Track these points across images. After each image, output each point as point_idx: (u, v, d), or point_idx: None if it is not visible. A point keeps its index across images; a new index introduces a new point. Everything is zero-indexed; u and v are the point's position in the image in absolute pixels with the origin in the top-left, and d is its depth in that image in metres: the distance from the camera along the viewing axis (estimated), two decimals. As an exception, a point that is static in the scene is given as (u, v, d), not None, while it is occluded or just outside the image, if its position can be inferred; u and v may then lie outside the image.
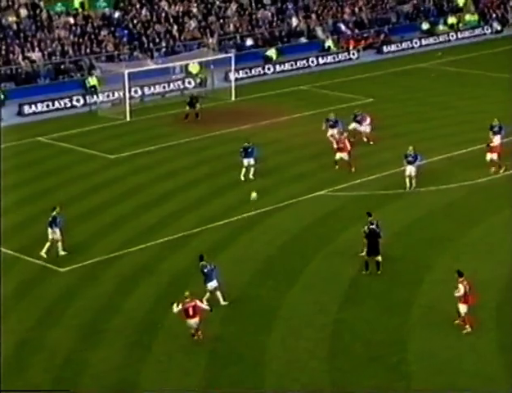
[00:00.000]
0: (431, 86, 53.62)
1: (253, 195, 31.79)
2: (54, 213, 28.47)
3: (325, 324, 23.33)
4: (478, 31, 72.54)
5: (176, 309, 21.91)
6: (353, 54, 64.57)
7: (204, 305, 22.40)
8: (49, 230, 28.30)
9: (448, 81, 55.29)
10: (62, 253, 28.41)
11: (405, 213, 31.49)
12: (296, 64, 60.76)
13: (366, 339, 22.50)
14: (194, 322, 21.97)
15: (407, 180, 33.41)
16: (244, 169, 35.42)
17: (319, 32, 67.53)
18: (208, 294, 24.17)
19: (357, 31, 68.54)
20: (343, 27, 68.45)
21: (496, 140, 36.38)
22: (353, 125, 40.45)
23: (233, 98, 50.84)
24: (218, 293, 24.31)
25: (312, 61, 61.82)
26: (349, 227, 29.83)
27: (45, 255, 28.01)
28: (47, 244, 28.20)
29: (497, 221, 30.09)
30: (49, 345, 22.62)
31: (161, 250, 28.92)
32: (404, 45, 67.67)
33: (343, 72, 58.82)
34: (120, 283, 26.46)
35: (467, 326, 21.95)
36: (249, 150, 35.63)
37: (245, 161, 35.47)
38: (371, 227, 25.86)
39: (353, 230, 29.06)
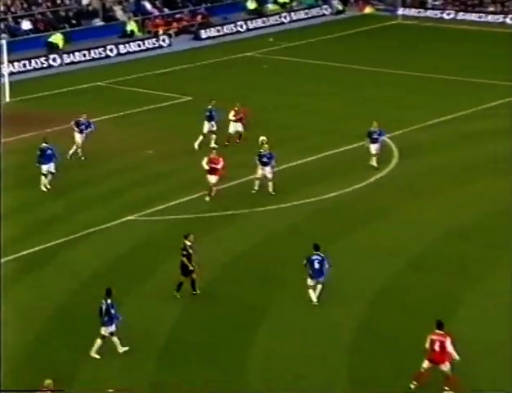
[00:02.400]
0: (262, 80, 55.30)
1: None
2: None
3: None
4: (315, 11, 75.76)
5: None
6: (164, 40, 65.40)
7: None
8: None
9: (283, 73, 57.19)
10: None
11: (237, 239, 32.23)
12: (90, 53, 60.94)
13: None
14: None
15: None
16: (43, 178, 36.54)
17: (118, 12, 67.83)
18: (99, 341, 24.45)
19: (167, 11, 69.37)
20: (148, 6, 69.20)
21: (375, 149, 38.35)
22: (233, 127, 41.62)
23: (7, 98, 50.17)
24: (115, 339, 24.65)
25: (111, 50, 62.12)
26: (168, 260, 30.10)
27: None
28: None
29: (345, 247, 31.45)
30: None
31: None
32: (227, 29, 69.42)
33: (151, 63, 59.59)
34: None
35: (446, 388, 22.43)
36: (48, 152, 36.66)
37: (44, 168, 36.60)
38: (188, 244, 27.78)
39: (173, 264, 29.42)
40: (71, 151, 40.01)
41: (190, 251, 27.70)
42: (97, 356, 24.61)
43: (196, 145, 41.27)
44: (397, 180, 37.54)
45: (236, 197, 35.77)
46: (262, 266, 30.14)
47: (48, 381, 21.37)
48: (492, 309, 26.93)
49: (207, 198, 35.30)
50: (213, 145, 40.65)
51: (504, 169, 38.40)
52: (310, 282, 27.25)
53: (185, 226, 31.98)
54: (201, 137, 41.32)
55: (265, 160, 35.73)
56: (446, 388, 22.47)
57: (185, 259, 27.64)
